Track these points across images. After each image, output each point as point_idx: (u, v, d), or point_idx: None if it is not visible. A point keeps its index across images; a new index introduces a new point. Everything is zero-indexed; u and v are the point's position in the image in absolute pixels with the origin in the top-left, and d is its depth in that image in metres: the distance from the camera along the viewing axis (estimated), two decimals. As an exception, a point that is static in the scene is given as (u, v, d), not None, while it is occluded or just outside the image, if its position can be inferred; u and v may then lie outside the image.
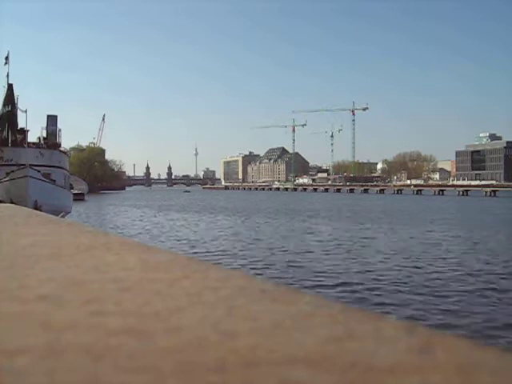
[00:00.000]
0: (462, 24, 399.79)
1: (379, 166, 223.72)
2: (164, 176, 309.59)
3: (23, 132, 33.37)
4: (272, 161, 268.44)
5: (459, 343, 0.85)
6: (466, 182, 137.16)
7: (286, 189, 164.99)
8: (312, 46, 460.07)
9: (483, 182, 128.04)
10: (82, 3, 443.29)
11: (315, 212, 45.82)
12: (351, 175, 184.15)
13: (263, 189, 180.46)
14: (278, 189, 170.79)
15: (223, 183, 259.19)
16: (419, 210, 49.65)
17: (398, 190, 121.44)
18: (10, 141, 32.53)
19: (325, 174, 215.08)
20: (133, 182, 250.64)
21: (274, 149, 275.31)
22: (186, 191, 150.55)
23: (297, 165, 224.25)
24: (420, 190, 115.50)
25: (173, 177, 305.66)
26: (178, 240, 22.57)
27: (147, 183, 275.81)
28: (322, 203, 66.77)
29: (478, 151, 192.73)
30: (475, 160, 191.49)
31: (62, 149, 37.33)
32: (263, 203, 67.88)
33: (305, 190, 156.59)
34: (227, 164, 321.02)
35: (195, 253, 17.66)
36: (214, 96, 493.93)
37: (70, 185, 40.06)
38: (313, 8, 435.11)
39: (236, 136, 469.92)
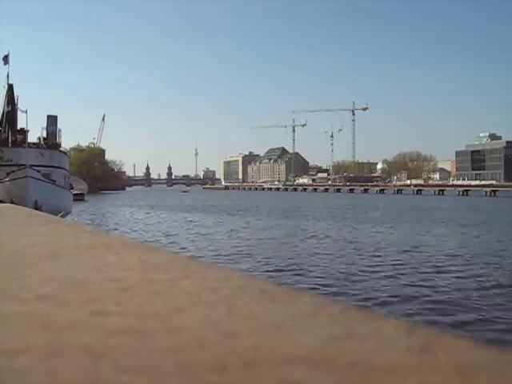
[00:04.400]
0: (462, 24, 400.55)
1: (379, 166, 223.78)
2: (164, 176, 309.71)
3: (23, 132, 33.32)
4: (272, 161, 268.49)
5: (459, 343, 0.85)
6: (465, 182, 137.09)
7: (286, 189, 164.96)
8: (312, 45, 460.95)
9: (483, 182, 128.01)
10: (82, 3, 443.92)
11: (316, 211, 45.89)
12: (351, 175, 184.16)
13: (263, 189, 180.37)
14: (278, 189, 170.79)
15: (223, 183, 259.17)
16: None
17: (398, 190, 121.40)
18: (10, 141, 32.49)
19: (325, 174, 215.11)
20: (133, 182, 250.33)
21: (274, 149, 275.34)
22: (184, 191, 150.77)
23: (297, 165, 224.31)
24: (420, 190, 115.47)
25: (173, 177, 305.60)
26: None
27: (147, 183, 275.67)
28: (334, 204, 66.63)
29: (478, 151, 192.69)
30: (475, 160, 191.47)
31: (62, 149, 37.23)
32: (258, 204, 67.96)
33: (305, 189, 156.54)
34: (227, 164, 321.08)
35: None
36: (214, 96, 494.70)
37: (70, 185, 40.03)
38: (313, 8, 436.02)
39: (236, 136, 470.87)
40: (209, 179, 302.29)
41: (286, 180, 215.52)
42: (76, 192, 55.79)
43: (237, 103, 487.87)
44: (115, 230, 27.31)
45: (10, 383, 0.67)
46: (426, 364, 0.73)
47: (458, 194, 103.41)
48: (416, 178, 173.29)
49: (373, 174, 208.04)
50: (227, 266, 13.71)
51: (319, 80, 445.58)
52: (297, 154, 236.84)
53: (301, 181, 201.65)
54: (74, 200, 38.14)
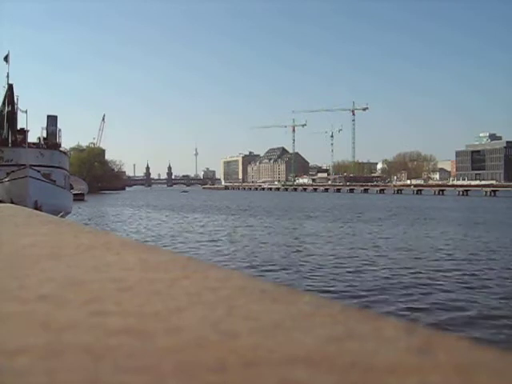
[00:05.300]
0: (462, 24, 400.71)
1: (379, 166, 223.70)
2: (164, 176, 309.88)
3: (23, 132, 33.27)
4: (272, 161, 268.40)
5: (459, 343, 0.85)
6: (465, 182, 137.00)
7: (286, 189, 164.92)
8: (312, 45, 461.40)
9: (483, 182, 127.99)
10: (82, 3, 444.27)
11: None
12: (351, 175, 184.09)
13: (263, 189, 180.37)
14: (277, 189, 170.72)
15: (223, 183, 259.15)
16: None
17: (398, 190, 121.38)
18: (10, 141, 32.47)
19: (325, 174, 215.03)
20: (133, 182, 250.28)
21: (274, 149, 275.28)
22: (184, 191, 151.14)
23: (297, 165, 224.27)
24: (420, 190, 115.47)
25: (173, 177, 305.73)
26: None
27: (147, 183, 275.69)
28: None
29: (478, 151, 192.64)
30: (475, 160, 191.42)
31: (62, 149, 37.18)
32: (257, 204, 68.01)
33: (305, 190, 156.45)
34: (227, 164, 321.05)
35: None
36: (214, 96, 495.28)
37: (70, 185, 40.00)
38: (313, 8, 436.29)
39: (236, 136, 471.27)
40: (209, 179, 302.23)
41: (286, 180, 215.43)
42: (76, 192, 55.74)
43: (237, 103, 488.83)
44: (114, 230, 27.45)
45: (10, 383, 0.67)
46: (426, 364, 0.73)
47: (458, 194, 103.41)
48: (416, 178, 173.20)
49: (373, 174, 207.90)
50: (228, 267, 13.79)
51: (319, 80, 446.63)
52: (297, 154, 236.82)
53: (301, 181, 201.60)
54: (74, 200, 38.15)
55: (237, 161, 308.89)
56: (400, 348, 0.81)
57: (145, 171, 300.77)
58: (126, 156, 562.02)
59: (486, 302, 10.83)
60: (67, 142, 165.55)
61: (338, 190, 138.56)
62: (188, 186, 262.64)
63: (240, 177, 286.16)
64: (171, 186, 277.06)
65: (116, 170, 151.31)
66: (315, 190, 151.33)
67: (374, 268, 14.84)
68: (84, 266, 1.70)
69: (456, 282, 12.87)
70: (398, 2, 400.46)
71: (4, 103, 33.96)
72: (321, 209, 51.70)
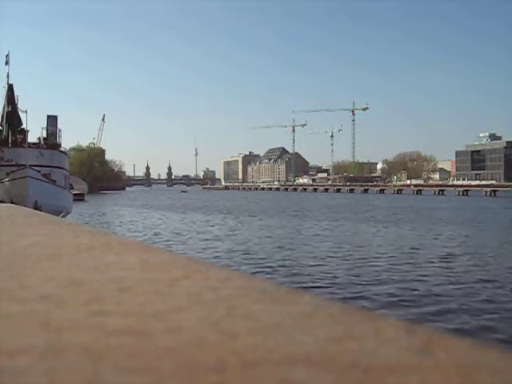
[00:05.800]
0: (462, 24, 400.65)
1: (379, 166, 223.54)
2: (164, 176, 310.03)
3: (23, 132, 33.29)
4: (272, 161, 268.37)
5: (459, 343, 0.85)
6: (465, 182, 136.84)
7: (286, 189, 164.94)
8: (312, 45, 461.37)
9: (483, 182, 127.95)
10: (82, 3, 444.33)
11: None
12: (351, 175, 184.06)
13: (263, 189, 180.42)
14: (277, 189, 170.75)
15: (223, 183, 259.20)
16: None
17: (398, 190, 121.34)
18: (10, 141, 32.48)
19: (325, 174, 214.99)
20: (133, 182, 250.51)
21: (274, 149, 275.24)
22: (183, 191, 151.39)
23: (297, 165, 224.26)
24: (420, 190, 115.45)
25: (173, 177, 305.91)
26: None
27: (147, 183, 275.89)
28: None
29: (478, 151, 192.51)
30: (475, 160, 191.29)
31: (62, 149, 37.19)
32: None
33: (305, 189, 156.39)
34: (227, 164, 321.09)
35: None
36: (214, 96, 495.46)
37: (70, 185, 39.99)
38: (313, 8, 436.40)
39: (236, 136, 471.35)
40: (209, 179, 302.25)
41: (286, 180, 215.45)
42: (76, 192, 55.73)
43: (237, 103, 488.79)
44: (114, 230, 27.49)
45: (10, 383, 0.67)
46: (426, 364, 0.73)
47: (458, 194, 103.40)
48: (416, 178, 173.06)
49: (373, 174, 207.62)
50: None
51: (319, 80, 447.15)
52: (297, 154, 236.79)
53: (301, 181, 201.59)
54: (74, 200, 38.19)
55: (237, 161, 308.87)
56: (400, 348, 0.81)
57: (145, 171, 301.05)
58: (125, 156, 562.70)
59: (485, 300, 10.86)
60: (67, 142, 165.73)
61: (338, 190, 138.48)
62: (188, 186, 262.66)
63: (240, 177, 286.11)
64: (171, 186, 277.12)
65: (116, 170, 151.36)
66: (315, 190, 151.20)
67: (373, 266, 14.93)
68: (84, 266, 1.70)
69: (451, 279, 12.99)
70: (398, 1, 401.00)
71: (4, 103, 33.99)
72: (320, 209, 51.76)
